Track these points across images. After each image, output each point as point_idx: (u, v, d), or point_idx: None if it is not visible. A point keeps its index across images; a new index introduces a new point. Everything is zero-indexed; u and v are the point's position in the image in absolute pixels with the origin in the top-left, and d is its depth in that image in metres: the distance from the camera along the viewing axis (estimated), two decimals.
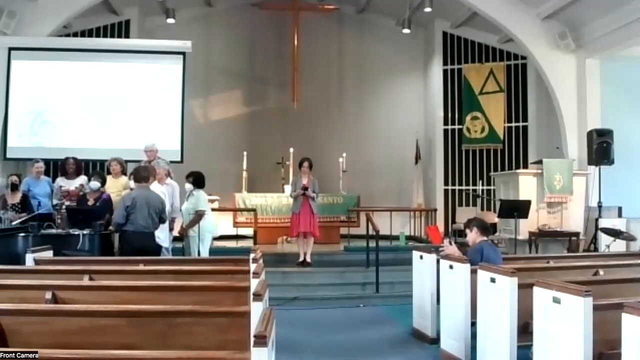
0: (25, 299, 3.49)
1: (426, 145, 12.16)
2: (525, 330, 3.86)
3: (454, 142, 11.76)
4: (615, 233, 7.22)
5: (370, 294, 7.30)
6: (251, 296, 3.05)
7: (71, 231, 5.98)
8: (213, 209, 7.96)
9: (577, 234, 8.18)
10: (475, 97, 11.49)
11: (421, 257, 5.59)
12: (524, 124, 11.21)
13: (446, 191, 11.79)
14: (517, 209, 7.73)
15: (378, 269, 7.25)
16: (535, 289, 3.50)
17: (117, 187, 6.99)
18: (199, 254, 6.57)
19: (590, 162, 8.63)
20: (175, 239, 7.16)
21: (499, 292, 4.04)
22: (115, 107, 9.55)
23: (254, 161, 11.31)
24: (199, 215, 6.60)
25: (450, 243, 5.22)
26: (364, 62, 12.73)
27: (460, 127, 11.69)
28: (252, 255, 4.60)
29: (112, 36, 10.98)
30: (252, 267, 4.08)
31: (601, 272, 4.76)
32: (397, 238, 9.49)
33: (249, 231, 9.57)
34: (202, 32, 12.07)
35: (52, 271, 4.40)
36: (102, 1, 10.00)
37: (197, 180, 6.89)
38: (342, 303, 7.02)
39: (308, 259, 7.95)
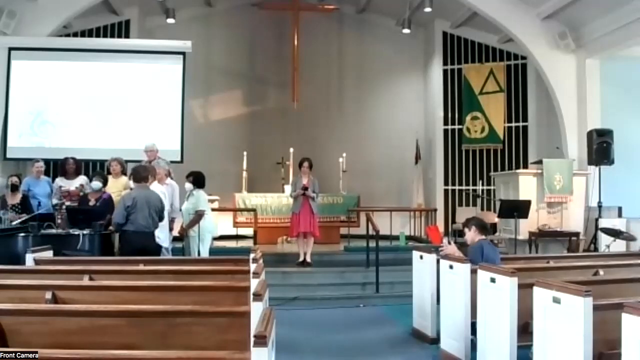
0: (25, 299, 3.49)
1: (426, 145, 12.17)
2: (525, 330, 3.86)
3: (454, 142, 11.76)
4: (615, 233, 7.22)
5: (370, 294, 7.30)
6: (251, 296, 3.05)
7: (71, 231, 5.98)
8: (213, 209, 7.96)
9: (577, 234, 8.18)
10: (475, 97, 11.49)
11: (421, 257, 5.59)
12: (524, 124, 11.21)
13: (446, 191, 11.79)
14: (517, 209, 7.74)
15: (378, 269, 7.25)
16: (535, 289, 3.50)
17: (117, 187, 6.99)
18: (199, 254, 6.57)
19: (590, 162, 8.63)
20: (175, 239, 7.16)
21: (499, 292, 4.04)
22: (115, 107, 9.55)
23: (254, 161, 11.31)
24: (199, 215, 6.60)
25: (449, 242, 5.22)
26: (364, 62, 12.73)
27: (460, 127, 11.69)
28: (252, 255, 4.60)
29: (112, 36, 10.98)
30: (252, 267, 4.08)
31: (601, 272, 4.76)
32: (397, 238, 9.49)
33: (249, 231, 9.57)
34: (202, 32, 12.07)
35: (52, 271, 4.40)
36: (102, 1, 10.00)
37: (197, 180, 6.89)
38: (342, 303, 7.02)
39: (308, 259, 7.95)
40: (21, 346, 2.81)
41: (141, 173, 6.02)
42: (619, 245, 7.29)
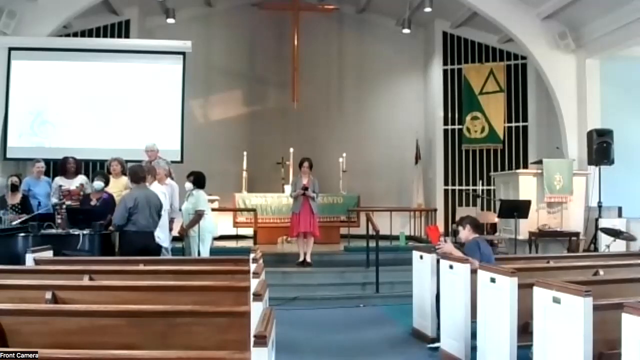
0: (25, 299, 3.49)
1: (426, 145, 12.16)
2: (525, 330, 3.86)
3: (454, 142, 11.75)
4: (615, 233, 7.22)
5: (370, 294, 7.30)
6: (251, 296, 3.05)
7: (71, 231, 5.97)
8: (213, 209, 7.96)
9: (577, 234, 8.19)
10: (475, 97, 11.49)
11: (421, 257, 5.59)
12: (524, 124, 11.21)
13: (446, 191, 11.79)
14: (517, 209, 7.74)
15: (378, 269, 7.25)
16: (535, 289, 3.50)
17: (117, 187, 6.98)
18: (199, 254, 6.57)
19: (590, 162, 8.63)
20: (175, 239, 7.16)
21: (499, 292, 4.05)
22: (115, 107, 9.55)
23: (254, 161, 11.31)
24: (198, 215, 6.60)
25: (446, 241, 5.24)
26: (364, 62, 12.73)
27: (460, 127, 11.69)
28: (252, 255, 4.60)
29: (112, 36, 10.98)
30: (252, 267, 4.08)
31: (601, 272, 4.76)
32: (397, 238, 9.50)
33: (249, 231, 9.57)
34: (202, 32, 12.07)
35: (52, 271, 4.40)
36: (102, 1, 9.99)
37: (198, 180, 6.89)
38: (342, 303, 7.02)
39: (308, 259, 7.95)
40: (21, 346, 2.81)
41: (139, 173, 6.02)
42: (619, 245, 7.29)
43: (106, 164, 7.54)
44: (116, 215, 5.85)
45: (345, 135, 12.37)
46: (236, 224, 10.10)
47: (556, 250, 8.04)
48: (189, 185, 6.87)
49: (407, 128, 12.25)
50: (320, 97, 12.68)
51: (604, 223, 7.92)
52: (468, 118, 11.56)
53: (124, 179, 7.15)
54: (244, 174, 11.00)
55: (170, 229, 6.90)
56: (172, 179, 7.18)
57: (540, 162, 8.46)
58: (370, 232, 7.79)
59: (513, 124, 11.29)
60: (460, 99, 11.70)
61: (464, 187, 11.55)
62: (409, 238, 9.88)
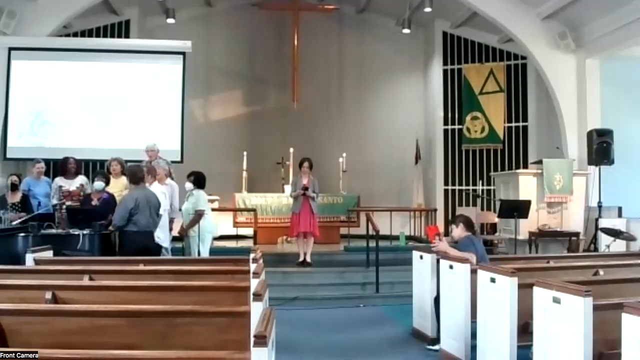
0: (25, 299, 3.49)
1: (426, 145, 12.16)
2: (525, 330, 3.86)
3: (454, 142, 11.75)
4: (615, 233, 7.22)
5: (370, 294, 7.30)
6: (251, 296, 3.06)
7: (71, 231, 5.97)
8: (213, 209, 7.96)
9: (577, 234, 8.19)
10: (475, 97, 11.49)
11: (421, 257, 5.59)
12: (524, 124, 11.21)
13: (446, 191, 11.79)
14: (517, 209, 7.74)
15: (378, 269, 7.25)
16: (535, 289, 3.50)
17: (118, 187, 6.99)
18: (199, 254, 6.57)
19: (590, 162, 8.63)
20: (175, 239, 7.16)
21: (499, 292, 4.05)
22: (115, 107, 9.54)
23: (254, 161, 11.31)
24: (198, 215, 6.60)
25: (441, 239, 5.28)
26: (364, 62, 12.73)
27: (460, 127, 11.69)
28: (252, 255, 4.60)
29: (112, 36, 10.98)
30: (252, 267, 4.08)
31: (601, 272, 4.76)
32: (397, 238, 9.49)
33: (249, 231, 9.57)
34: (202, 32, 12.06)
35: (52, 271, 4.40)
36: (102, 1, 9.99)
37: (198, 180, 6.89)
38: (342, 303, 7.02)
39: (308, 259, 7.95)
40: (21, 346, 2.81)
41: (137, 174, 6.03)
42: (619, 245, 7.29)
43: (106, 164, 7.54)
44: (116, 216, 5.85)
45: (345, 135, 12.37)
46: (236, 224, 10.10)
47: (556, 250, 8.04)
48: (189, 185, 6.87)
49: (407, 128, 12.25)
50: (320, 97, 12.68)
51: (604, 223, 7.92)
52: (468, 118, 11.56)
53: (124, 179, 7.15)
54: (244, 174, 11.00)
55: (170, 229, 6.90)
56: (172, 179, 7.19)
57: (540, 162, 8.46)
58: (370, 232, 7.79)
59: (513, 124, 11.29)
60: (460, 99, 11.70)
61: (464, 187, 11.55)
62: (409, 238, 9.88)
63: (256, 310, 2.89)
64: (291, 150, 10.95)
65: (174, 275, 4.30)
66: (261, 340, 2.14)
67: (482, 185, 11.27)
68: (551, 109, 9.99)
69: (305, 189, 7.81)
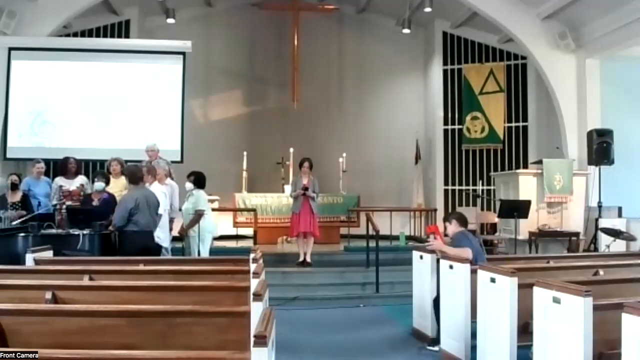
0: (25, 299, 3.49)
1: (426, 145, 12.16)
2: (525, 330, 3.86)
3: (454, 142, 11.75)
4: (615, 233, 7.22)
5: (370, 294, 7.30)
6: (251, 296, 3.05)
7: (71, 231, 5.97)
8: (213, 209, 7.96)
9: (577, 234, 8.19)
10: (475, 97, 11.49)
11: (421, 257, 5.59)
12: (524, 124, 11.21)
13: (446, 191, 11.79)
14: (517, 209, 7.74)
15: (378, 269, 7.25)
16: (535, 289, 3.50)
17: (118, 187, 6.99)
18: (199, 254, 6.57)
19: (590, 162, 8.63)
20: (175, 239, 7.16)
21: (499, 292, 4.05)
22: (115, 107, 9.55)
23: (254, 161, 11.31)
24: (198, 215, 6.60)
25: (436, 237, 5.29)
26: (364, 62, 12.73)
27: (460, 127, 11.69)
28: (252, 255, 4.60)
29: (112, 36, 10.98)
30: (252, 267, 4.08)
31: (601, 272, 4.76)
32: (397, 238, 9.49)
33: (249, 231, 9.57)
34: (202, 32, 12.06)
35: (52, 271, 4.40)
36: (102, 1, 9.99)
37: (198, 180, 6.89)
38: (342, 303, 7.02)
39: (308, 259, 7.95)
40: (21, 346, 2.81)
41: (137, 174, 6.04)
42: (619, 245, 7.29)
43: (106, 164, 7.55)
44: (116, 216, 5.85)
45: (345, 135, 12.36)
46: (236, 224, 10.10)
47: (556, 250, 8.05)
48: (189, 185, 6.87)
49: (407, 128, 12.25)
50: (320, 97, 12.68)
51: (604, 223, 7.92)
52: (468, 118, 11.56)
53: (124, 179, 7.15)
54: (244, 174, 11.00)
55: (170, 229, 6.90)
56: (172, 179, 7.19)
57: (540, 162, 8.46)
58: (370, 232, 7.79)
59: (513, 124, 11.29)
60: (460, 99, 11.70)
61: (464, 187, 11.55)
62: (409, 238, 9.88)
63: (256, 310, 2.89)
64: (291, 150, 10.95)
65: (174, 275, 4.30)
66: (261, 340, 2.14)
67: (482, 185, 11.27)
68: (551, 109, 9.99)
69: (306, 189, 7.81)
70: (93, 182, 6.88)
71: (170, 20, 10.83)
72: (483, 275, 4.25)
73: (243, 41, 12.67)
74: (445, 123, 11.81)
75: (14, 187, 6.95)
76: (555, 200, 8.26)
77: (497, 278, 4.08)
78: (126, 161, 7.35)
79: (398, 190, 12.37)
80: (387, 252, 7.89)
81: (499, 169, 11.11)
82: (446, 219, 5.46)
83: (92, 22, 10.75)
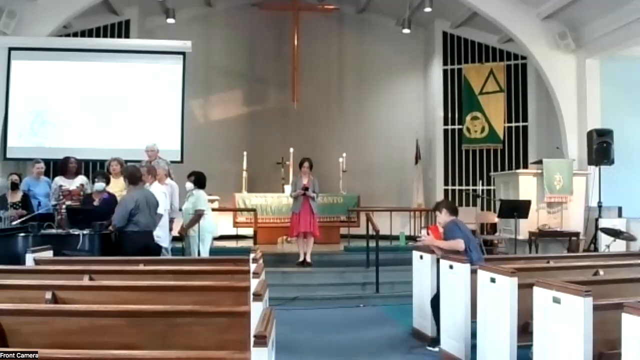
0: (25, 299, 3.49)
1: (426, 145, 12.16)
2: (525, 330, 3.86)
3: (454, 142, 11.75)
4: (615, 233, 7.22)
5: (370, 294, 7.30)
6: (251, 296, 3.05)
7: (71, 231, 5.97)
8: (213, 209, 7.95)
9: (577, 234, 8.18)
10: (475, 97, 11.49)
11: (421, 257, 5.59)
12: (524, 124, 11.21)
13: (446, 191, 11.78)
14: (517, 209, 7.74)
15: (378, 269, 7.25)
16: (535, 289, 3.50)
17: (118, 187, 6.98)
18: (199, 254, 6.58)
19: (590, 162, 8.63)
20: (175, 239, 7.16)
21: (499, 292, 4.05)
22: (115, 107, 9.55)
23: (254, 161, 11.31)
24: (198, 215, 6.61)
25: (428, 233, 5.28)
26: (364, 62, 12.73)
27: (460, 127, 11.69)
28: (252, 255, 4.60)
29: (112, 36, 10.98)
30: (252, 267, 4.08)
31: (601, 272, 4.76)
32: (397, 238, 9.49)
33: (249, 231, 9.57)
34: (202, 32, 12.06)
35: (52, 271, 4.40)
36: (102, 1, 9.99)
37: (199, 180, 6.89)
38: (342, 303, 7.02)
39: (308, 259, 7.95)
40: (21, 346, 2.81)
41: (136, 174, 6.04)
42: (619, 245, 7.29)
43: (106, 164, 7.55)
44: (116, 216, 5.85)
45: (345, 135, 12.36)
46: (236, 224, 10.10)
47: (556, 250, 8.04)
48: (189, 185, 6.87)
49: (407, 128, 12.24)
50: (320, 97, 12.68)
51: (604, 223, 7.92)
52: (468, 118, 11.56)
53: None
54: (244, 174, 11.00)
55: (170, 229, 6.90)
56: (171, 179, 7.19)
57: (540, 162, 8.46)
58: (370, 232, 7.79)
59: (513, 124, 11.29)
60: (460, 99, 11.70)
61: (464, 187, 11.55)
62: (409, 238, 9.87)
63: (256, 310, 2.89)
64: (291, 150, 10.95)
65: (174, 275, 4.30)
66: (261, 340, 2.14)
67: (482, 185, 11.27)
68: (551, 109, 9.99)
69: (306, 189, 7.81)
70: (93, 182, 6.88)
71: (170, 20, 10.83)
72: (483, 275, 4.25)
73: (243, 41, 12.67)
74: (445, 123, 11.81)
75: (15, 187, 6.95)
76: (555, 200, 8.26)
77: (497, 278, 4.08)
78: (126, 161, 7.35)
79: (398, 190, 12.37)
80: (387, 252, 7.89)
81: (499, 169, 11.11)
82: (436, 208, 5.41)
83: (92, 22, 10.75)
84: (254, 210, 9.20)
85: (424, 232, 5.46)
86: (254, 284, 3.52)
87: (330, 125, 12.64)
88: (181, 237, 6.96)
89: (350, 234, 9.54)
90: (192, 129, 10.72)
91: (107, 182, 6.84)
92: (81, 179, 7.41)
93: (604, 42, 8.88)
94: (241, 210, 9.89)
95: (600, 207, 8.30)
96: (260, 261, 4.25)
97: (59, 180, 7.36)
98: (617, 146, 8.42)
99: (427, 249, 5.48)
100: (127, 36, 11.03)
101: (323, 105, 12.74)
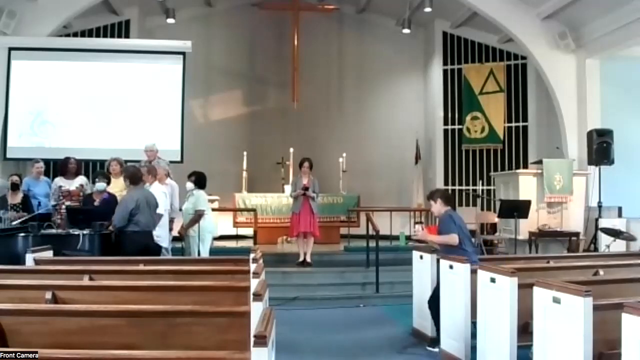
0: (25, 299, 3.49)
1: (426, 145, 12.16)
2: (525, 330, 3.86)
3: (454, 142, 11.75)
4: (615, 233, 7.22)
5: (370, 294, 7.30)
6: (251, 296, 3.05)
7: (71, 231, 5.97)
8: (213, 209, 7.96)
9: (577, 234, 8.19)
10: (475, 97, 11.49)
11: (421, 257, 5.59)
12: (524, 124, 11.21)
13: (446, 191, 11.77)
14: (517, 209, 7.74)
15: (378, 269, 7.25)
16: (535, 289, 3.50)
17: (118, 187, 6.97)
18: (199, 254, 6.58)
19: (590, 162, 8.63)
20: (175, 239, 7.16)
21: (499, 292, 4.05)
22: (115, 107, 9.55)
23: (254, 161, 11.31)
24: (198, 215, 6.61)
25: (422, 228, 5.27)
26: (364, 62, 12.72)
27: (460, 127, 11.69)
28: (252, 255, 4.60)
29: (112, 36, 10.98)
30: (252, 267, 4.08)
31: (601, 272, 4.76)
32: (397, 238, 9.49)
33: (249, 231, 9.57)
34: (202, 32, 12.06)
35: (52, 271, 4.40)
36: (102, 1, 9.99)
37: (199, 180, 6.90)
38: (342, 303, 7.02)
39: (308, 259, 7.95)
40: (21, 346, 2.81)
41: (138, 174, 6.05)
42: (619, 245, 7.28)
43: (106, 164, 7.55)
44: (117, 216, 5.85)
45: (345, 135, 12.36)
46: (236, 224, 10.10)
47: (556, 250, 8.05)
48: (190, 185, 6.87)
49: (407, 128, 12.24)
50: (320, 97, 12.68)
51: (604, 223, 7.92)
52: (468, 118, 11.56)
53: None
54: (244, 174, 11.00)
55: (170, 229, 6.90)
56: (170, 179, 7.19)
57: (540, 162, 8.46)
58: (370, 232, 7.79)
59: (513, 124, 11.28)
60: (460, 99, 11.70)
61: (464, 187, 11.55)
62: (409, 238, 9.87)
63: (256, 310, 2.89)
64: (291, 150, 10.95)
65: (174, 275, 4.30)
66: (261, 340, 2.14)
67: (482, 185, 11.27)
68: (551, 109, 9.99)
69: (306, 189, 7.81)
70: (93, 182, 6.88)
71: (170, 20, 10.83)
72: (483, 275, 4.25)
73: (243, 41, 12.67)
74: (445, 123, 11.81)
75: (15, 187, 6.94)
76: (555, 200, 8.26)
77: (497, 278, 4.08)
78: (126, 161, 7.35)
79: (398, 190, 12.37)
80: (387, 252, 7.89)
81: (499, 169, 11.11)
82: (430, 196, 5.33)
83: (92, 22, 10.75)
84: (254, 210, 9.20)
85: (418, 227, 5.45)
86: (254, 284, 3.52)
87: (330, 125, 12.64)
88: (181, 237, 6.95)
89: (350, 234, 9.54)
90: (192, 129, 10.72)
91: (108, 182, 6.84)
92: (81, 180, 7.40)
93: (604, 42, 8.88)
94: (241, 210, 9.89)
95: (600, 207, 8.30)
96: (260, 261, 4.25)
97: (59, 181, 7.35)
98: (617, 146, 8.42)
99: (428, 249, 5.48)
100: (127, 36, 11.03)
101: (323, 105, 12.74)
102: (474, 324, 4.45)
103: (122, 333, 2.99)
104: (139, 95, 9.65)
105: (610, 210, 8.44)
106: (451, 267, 4.78)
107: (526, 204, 7.78)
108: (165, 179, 6.90)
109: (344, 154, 11.10)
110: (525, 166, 9.85)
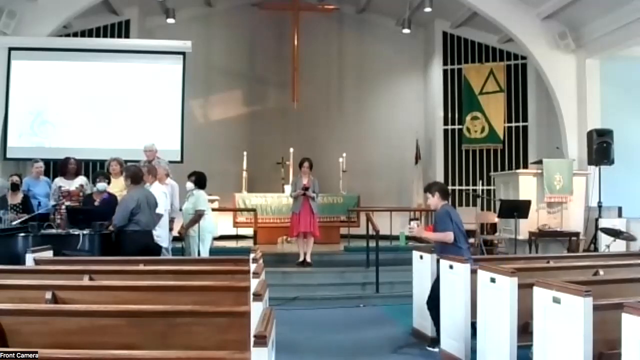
0: (25, 299, 3.49)
1: (426, 145, 12.16)
2: (525, 330, 3.86)
3: (454, 142, 11.75)
4: (615, 233, 7.22)
5: (370, 294, 7.30)
6: (251, 296, 3.05)
7: (71, 231, 5.97)
8: (213, 209, 7.95)
9: (577, 234, 8.19)
10: (475, 97, 11.49)
11: (421, 257, 5.59)
12: (524, 124, 11.21)
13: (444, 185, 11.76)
14: (517, 209, 7.74)
15: (378, 269, 7.25)
16: (535, 289, 3.50)
17: (118, 187, 6.98)
18: (199, 254, 6.57)
19: (590, 162, 8.63)
20: (175, 239, 7.16)
21: (499, 292, 4.05)
22: (115, 107, 9.55)
23: (254, 161, 11.31)
24: (198, 215, 6.61)
25: (418, 225, 5.26)
26: (364, 62, 12.73)
27: (460, 127, 11.69)
28: (252, 255, 4.60)
29: (112, 36, 10.98)
30: (252, 267, 4.08)
31: (601, 272, 4.76)
32: (397, 238, 9.47)
33: (249, 231, 9.57)
34: (202, 32, 12.06)
35: (52, 271, 4.40)
36: (102, 1, 10.00)
37: (199, 180, 6.90)
38: (342, 303, 7.02)
39: (308, 259, 7.95)
40: (21, 346, 2.81)
41: (139, 174, 6.05)
42: (619, 245, 7.29)
43: (106, 164, 7.55)
44: (117, 216, 5.84)
45: (345, 135, 12.36)
46: (236, 224, 10.10)
47: (556, 250, 8.05)
48: (190, 185, 6.87)
49: (407, 128, 12.25)
50: (320, 97, 12.68)
51: (604, 223, 7.92)
52: (468, 118, 11.56)
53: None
54: (244, 174, 11.00)
55: (170, 229, 6.90)
56: (170, 178, 7.18)
57: (540, 162, 8.46)
58: (370, 232, 7.79)
59: (513, 124, 11.29)
60: (460, 99, 11.70)
61: (464, 187, 11.55)
62: (408, 238, 9.86)
63: (256, 310, 2.88)
64: (291, 150, 10.95)
65: (174, 275, 4.30)
66: (261, 340, 2.14)
67: (482, 185, 11.27)
68: (551, 109, 9.99)
69: (306, 189, 7.81)
70: (94, 182, 6.88)
71: (170, 20, 10.83)
72: (483, 275, 4.25)
73: (243, 41, 12.67)
74: (445, 123, 11.81)
75: (15, 188, 6.94)
76: (555, 200, 8.26)
77: (497, 278, 4.08)
78: (126, 161, 7.35)
79: (398, 190, 12.37)
80: (387, 252, 7.89)
81: (499, 169, 11.11)
82: (428, 189, 5.28)
83: (92, 22, 10.75)
84: (254, 210, 9.20)
85: (413, 223, 5.43)
86: (254, 284, 3.52)
87: (330, 125, 12.64)
88: (181, 237, 6.96)
89: (350, 234, 9.53)
90: (192, 129, 10.72)
91: (108, 182, 6.84)
92: (81, 180, 7.40)
93: (604, 42, 8.89)
94: (241, 210, 9.88)
95: (600, 207, 8.30)
96: (260, 261, 4.25)
97: (59, 181, 7.35)
98: (617, 146, 8.42)
99: (428, 249, 5.48)
100: (127, 36, 11.03)
101: (323, 105, 12.74)
102: (473, 324, 4.45)
103: (122, 333, 2.99)
104: (139, 95, 9.65)
105: (610, 210, 8.44)
106: (451, 267, 4.78)
107: (526, 204, 7.78)
108: (165, 179, 6.90)
109: (344, 154, 11.09)
110: (525, 166, 9.86)
